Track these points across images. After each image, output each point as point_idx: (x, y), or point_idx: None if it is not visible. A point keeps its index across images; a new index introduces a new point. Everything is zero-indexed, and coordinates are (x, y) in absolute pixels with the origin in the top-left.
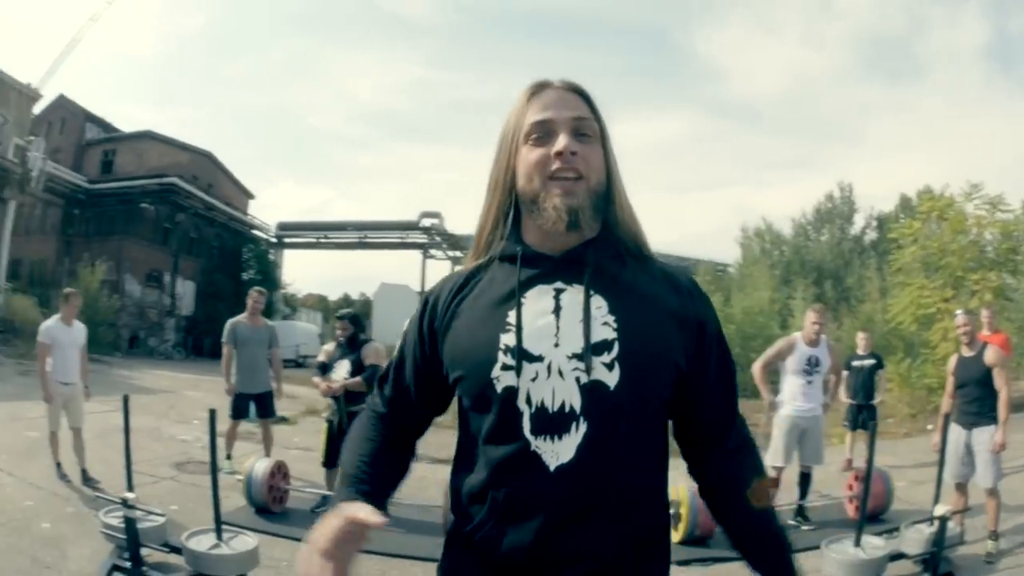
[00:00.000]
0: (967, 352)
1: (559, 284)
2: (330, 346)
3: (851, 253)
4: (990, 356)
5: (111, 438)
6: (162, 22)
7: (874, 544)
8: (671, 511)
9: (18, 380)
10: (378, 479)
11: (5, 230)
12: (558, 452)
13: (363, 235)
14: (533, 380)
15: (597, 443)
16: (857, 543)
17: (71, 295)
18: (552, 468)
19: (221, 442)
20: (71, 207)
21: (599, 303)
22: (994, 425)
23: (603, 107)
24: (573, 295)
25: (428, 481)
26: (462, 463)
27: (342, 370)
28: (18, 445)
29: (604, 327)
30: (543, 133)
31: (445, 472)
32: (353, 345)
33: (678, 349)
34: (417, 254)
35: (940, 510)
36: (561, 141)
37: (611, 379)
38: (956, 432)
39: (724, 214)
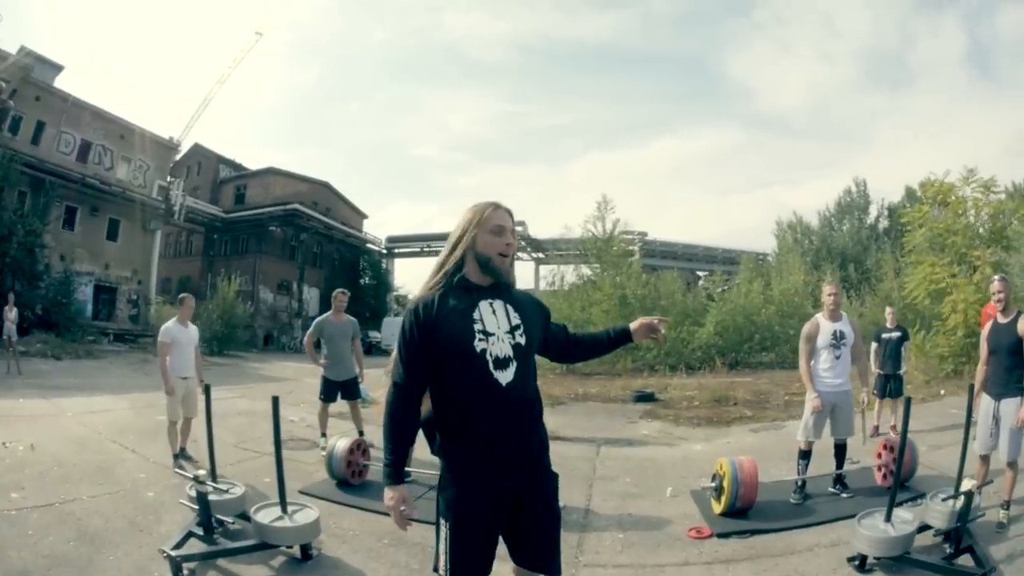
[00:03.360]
0: (1002, 319)
1: (490, 300)
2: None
3: (868, 239)
4: (1023, 325)
5: (229, 421)
6: (280, 79)
7: (903, 519)
8: (714, 483)
9: (159, 375)
10: (405, 454)
11: (154, 253)
12: (505, 377)
13: None
14: (492, 344)
15: (521, 370)
16: (888, 518)
17: (185, 299)
18: (504, 384)
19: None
20: (211, 233)
21: (510, 308)
22: (1020, 397)
23: (620, 193)
24: (498, 304)
25: None
26: (448, 397)
27: None
28: (147, 427)
29: (515, 318)
30: (499, 231)
31: None
32: None
33: (541, 326)
34: None
35: (967, 485)
36: (509, 238)
37: (523, 341)
38: (986, 402)
39: (763, 211)
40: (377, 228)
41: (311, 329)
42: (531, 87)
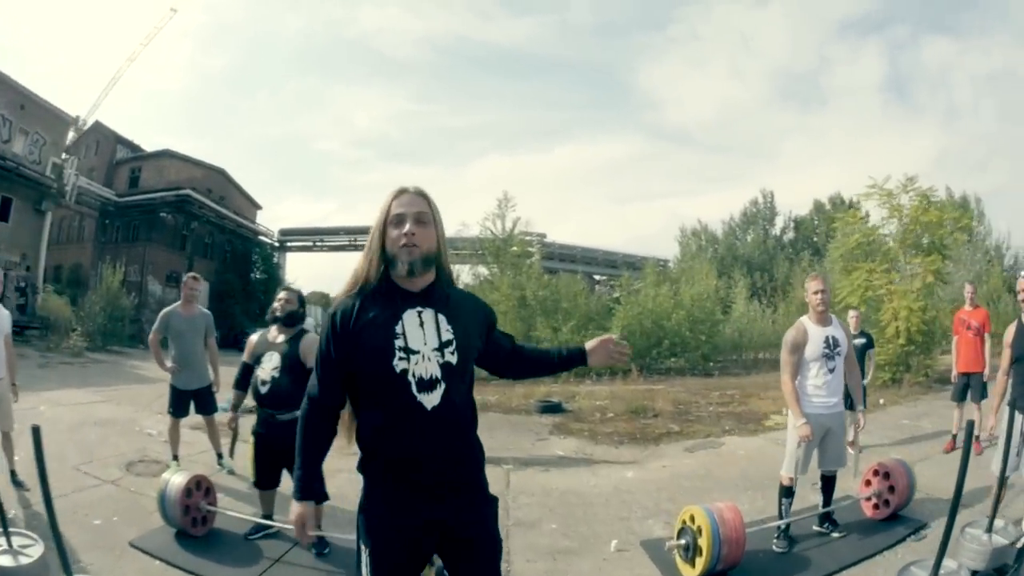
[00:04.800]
0: None
1: (419, 308)
2: (256, 336)
3: (775, 249)
4: None
5: (80, 433)
6: (190, 62)
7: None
8: (684, 540)
9: (35, 372)
10: (317, 468)
11: (44, 236)
12: (432, 400)
13: (353, 238)
14: (416, 364)
15: (449, 393)
16: (990, 528)
17: None
18: (428, 408)
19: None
20: (103, 218)
21: (442, 319)
22: None
23: (519, 197)
24: (428, 315)
25: None
26: (366, 415)
27: (270, 363)
28: None
29: (447, 332)
30: (399, 221)
31: None
32: (291, 325)
33: (479, 336)
34: None
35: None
36: (409, 226)
37: (454, 360)
38: (1014, 416)
39: (662, 220)
40: (273, 223)
41: (156, 323)
42: (439, 87)
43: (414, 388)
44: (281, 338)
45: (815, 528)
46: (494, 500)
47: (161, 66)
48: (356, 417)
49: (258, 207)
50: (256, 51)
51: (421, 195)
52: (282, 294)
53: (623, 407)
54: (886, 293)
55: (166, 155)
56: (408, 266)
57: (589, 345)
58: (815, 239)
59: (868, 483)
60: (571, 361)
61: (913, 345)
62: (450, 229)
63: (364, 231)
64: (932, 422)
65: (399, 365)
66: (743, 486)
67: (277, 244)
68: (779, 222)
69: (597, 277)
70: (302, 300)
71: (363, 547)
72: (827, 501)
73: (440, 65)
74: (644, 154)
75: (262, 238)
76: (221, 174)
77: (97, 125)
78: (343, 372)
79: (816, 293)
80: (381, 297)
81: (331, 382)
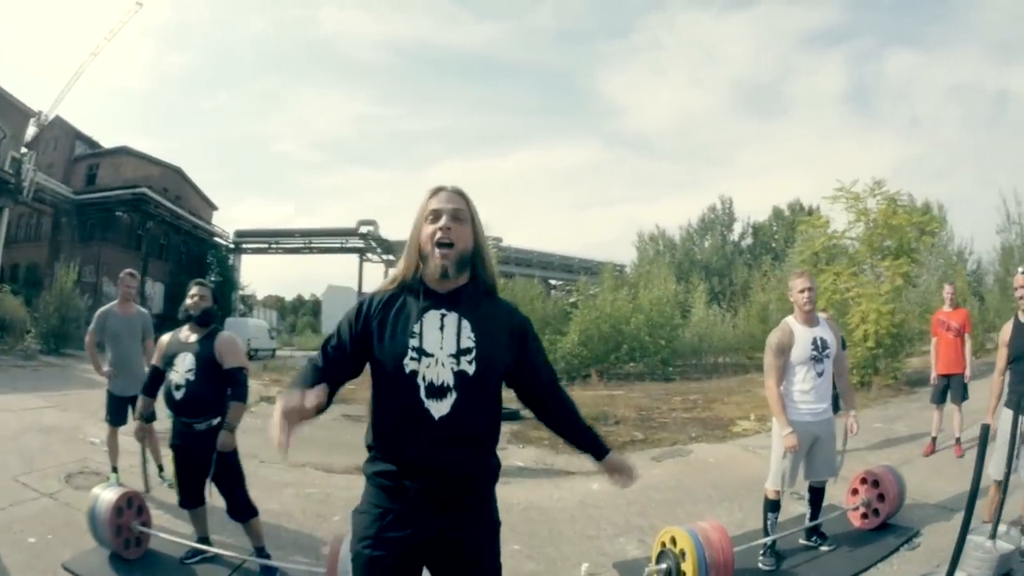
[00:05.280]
0: None
1: (443, 311)
2: (167, 336)
3: (733, 254)
4: None
5: (22, 440)
6: (153, 59)
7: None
8: (665, 564)
9: None
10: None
11: (0, 234)
12: (440, 409)
13: (308, 241)
14: (427, 367)
15: (461, 404)
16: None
17: None
18: (436, 417)
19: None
20: (60, 216)
21: (466, 325)
22: None
23: (476, 202)
24: (451, 318)
25: None
26: (375, 413)
27: (183, 366)
28: None
29: (468, 339)
30: (435, 217)
31: None
32: (204, 324)
33: (508, 352)
34: (356, 258)
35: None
36: (446, 222)
37: (470, 369)
38: (1009, 417)
39: (619, 226)
40: (229, 225)
41: (92, 324)
42: (398, 90)
43: (422, 392)
44: (194, 337)
45: (802, 542)
46: (498, 524)
47: (123, 63)
48: (370, 419)
49: (214, 208)
50: (218, 50)
51: (459, 193)
52: (194, 289)
53: (583, 414)
54: (854, 296)
55: (123, 152)
56: (441, 268)
57: (611, 460)
58: (774, 245)
59: (855, 492)
60: (586, 448)
61: (881, 348)
62: (406, 234)
63: (320, 234)
64: (906, 425)
65: (409, 365)
66: (717, 497)
67: (232, 246)
68: (737, 228)
69: (553, 282)
70: (216, 296)
71: (350, 552)
72: (815, 514)
73: (401, 68)
74: (603, 160)
75: (217, 239)
76: (178, 173)
77: (57, 120)
78: (348, 351)
79: (802, 291)
80: (410, 294)
81: (334, 362)
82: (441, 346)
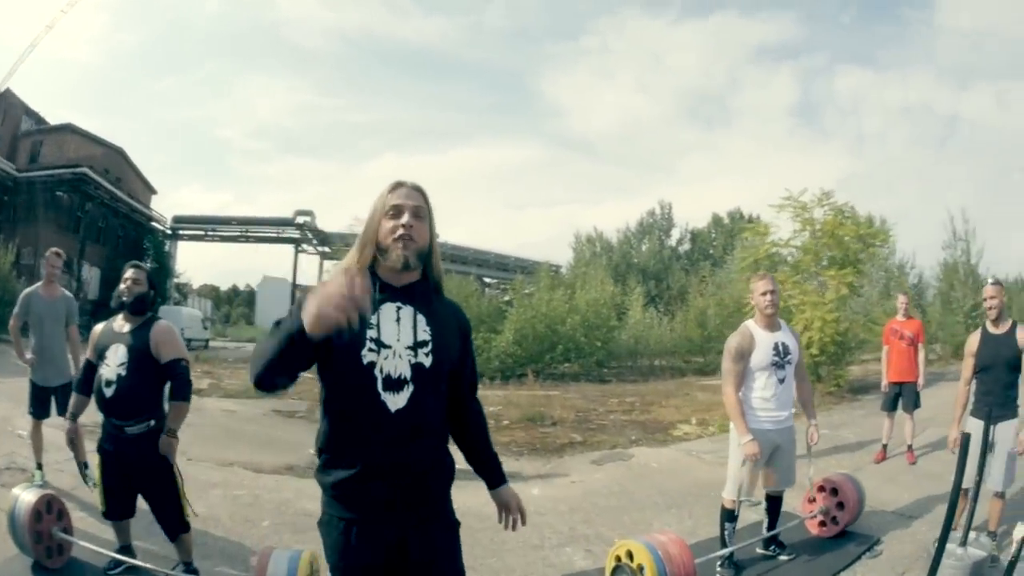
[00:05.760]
0: (995, 329)
1: (399, 304)
2: (100, 326)
3: (670, 259)
4: (1022, 337)
5: None
6: (107, 35)
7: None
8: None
9: None
10: None
11: None
12: (397, 402)
13: (245, 229)
14: (385, 359)
15: (417, 397)
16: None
17: None
18: (392, 410)
19: None
20: (2, 194)
21: (421, 318)
22: (1017, 419)
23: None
24: (407, 311)
25: None
26: (328, 411)
27: (115, 359)
28: None
29: (424, 332)
30: (396, 212)
31: None
32: (139, 312)
33: (456, 348)
34: (292, 249)
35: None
36: (407, 219)
37: (427, 362)
38: (975, 428)
39: (557, 227)
40: (168, 211)
41: (16, 307)
42: (343, 81)
43: (380, 385)
44: (127, 327)
45: (760, 551)
46: (458, 525)
47: (75, 36)
48: (321, 420)
49: (153, 192)
50: (172, 30)
51: (418, 190)
52: (129, 273)
53: (519, 414)
54: (797, 304)
55: (68, 130)
56: (403, 259)
57: (505, 493)
58: (712, 251)
59: (812, 500)
60: (489, 473)
61: (825, 356)
62: (343, 226)
63: (257, 222)
64: (853, 431)
65: (367, 356)
66: (664, 504)
67: (170, 232)
68: (676, 233)
69: (488, 280)
70: (152, 281)
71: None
72: (773, 523)
73: (347, 58)
74: (543, 161)
75: (155, 225)
76: (120, 154)
77: (8, 93)
78: (304, 348)
79: (764, 294)
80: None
81: (290, 350)
82: (398, 338)
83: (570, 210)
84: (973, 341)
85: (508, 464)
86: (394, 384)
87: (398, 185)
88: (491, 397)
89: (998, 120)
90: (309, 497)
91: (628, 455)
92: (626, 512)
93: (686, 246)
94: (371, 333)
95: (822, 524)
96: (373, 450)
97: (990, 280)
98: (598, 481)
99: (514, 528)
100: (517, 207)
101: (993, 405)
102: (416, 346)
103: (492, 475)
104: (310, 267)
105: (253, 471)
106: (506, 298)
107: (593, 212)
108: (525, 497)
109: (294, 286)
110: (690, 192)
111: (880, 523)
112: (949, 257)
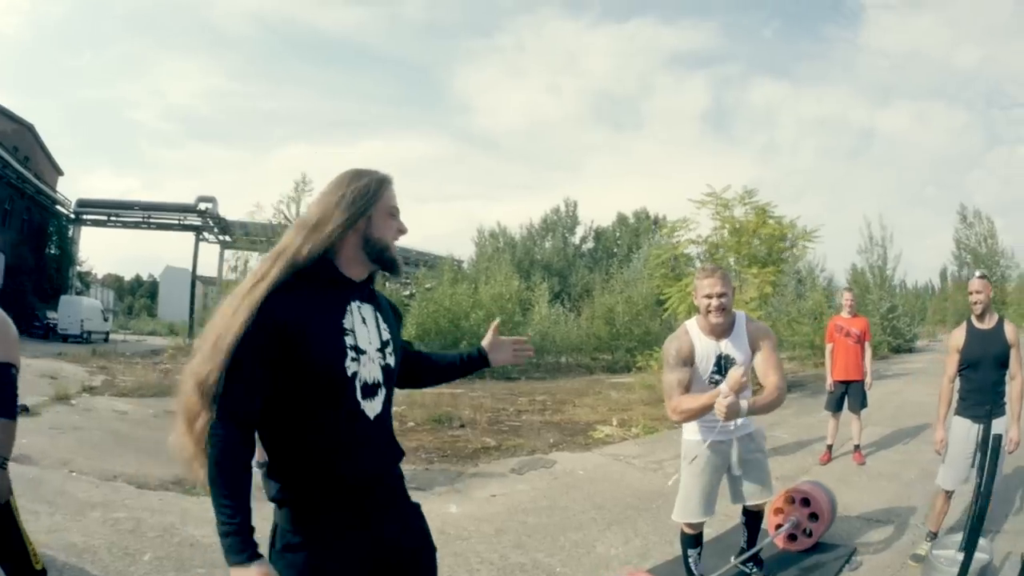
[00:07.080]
0: (981, 324)
1: (359, 303)
2: None
3: (574, 257)
4: (1011, 333)
5: None
6: (32, 6)
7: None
8: None
9: None
10: (249, 510)
11: None
12: (374, 408)
13: (147, 215)
14: (363, 367)
15: (386, 400)
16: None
17: None
18: (371, 418)
19: None
20: None
21: (379, 316)
22: (1004, 417)
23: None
24: (368, 310)
25: None
26: (303, 435)
27: None
28: None
29: (386, 331)
30: (396, 213)
31: None
32: None
33: (401, 340)
34: (193, 237)
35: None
36: (403, 223)
37: (392, 362)
38: (962, 426)
39: (459, 222)
40: (73, 195)
41: None
42: (257, 67)
43: (359, 394)
44: None
45: (732, 559)
46: (418, 505)
47: (4, 9)
48: (278, 448)
49: (60, 173)
50: (94, 3)
51: None
52: None
53: (424, 415)
54: None
55: None
56: (397, 260)
57: (486, 342)
58: (616, 250)
59: (779, 511)
60: (473, 364)
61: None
62: (243, 214)
63: (158, 208)
64: (787, 431)
65: (351, 367)
66: (602, 520)
67: (73, 216)
68: (580, 231)
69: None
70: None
71: None
72: (752, 540)
73: (263, 43)
74: (448, 156)
75: (59, 208)
76: (30, 131)
77: None
78: (276, 377)
79: (708, 297)
80: (320, 283)
81: (259, 389)
82: (370, 341)
83: (472, 205)
84: (958, 336)
85: (418, 475)
86: (370, 390)
87: (392, 182)
88: (393, 396)
89: (916, 136)
90: (196, 520)
91: (550, 461)
92: (562, 532)
93: (590, 244)
94: (349, 340)
95: (791, 537)
96: (356, 462)
97: (977, 274)
98: (522, 494)
99: (526, 356)
100: (420, 200)
101: (981, 403)
102: (383, 347)
103: (474, 358)
104: (210, 256)
105: (137, 487)
106: (407, 292)
107: (496, 208)
108: (443, 517)
109: (194, 276)
110: (595, 191)
111: (848, 530)
112: (864, 261)
